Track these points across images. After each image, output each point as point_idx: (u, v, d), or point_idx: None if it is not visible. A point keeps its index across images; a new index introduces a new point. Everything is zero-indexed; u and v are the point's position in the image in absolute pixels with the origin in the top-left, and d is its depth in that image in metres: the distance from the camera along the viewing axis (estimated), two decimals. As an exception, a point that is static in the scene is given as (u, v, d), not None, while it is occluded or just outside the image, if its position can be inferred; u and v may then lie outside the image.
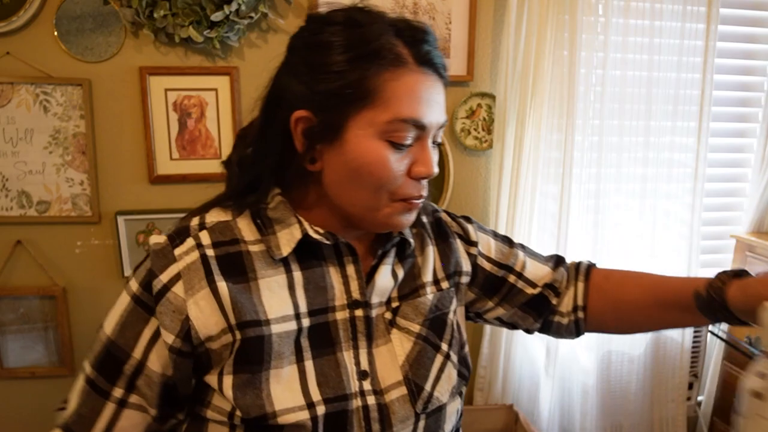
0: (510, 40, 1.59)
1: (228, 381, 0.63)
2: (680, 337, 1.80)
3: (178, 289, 0.63)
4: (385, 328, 0.71)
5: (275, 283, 0.66)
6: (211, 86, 1.54)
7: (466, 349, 0.79)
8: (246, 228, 0.68)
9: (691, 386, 1.90)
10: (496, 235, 0.89)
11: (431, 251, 0.80)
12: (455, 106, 1.67)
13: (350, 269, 0.70)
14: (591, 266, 0.89)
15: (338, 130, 0.63)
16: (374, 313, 0.71)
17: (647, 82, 1.64)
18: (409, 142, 0.64)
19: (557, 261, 0.89)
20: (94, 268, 1.59)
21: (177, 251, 0.64)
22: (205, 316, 0.63)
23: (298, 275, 0.68)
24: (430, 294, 0.76)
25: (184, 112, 1.55)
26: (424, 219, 0.83)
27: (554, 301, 0.86)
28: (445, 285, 0.79)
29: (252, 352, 0.63)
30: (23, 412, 1.64)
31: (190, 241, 0.65)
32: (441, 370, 0.72)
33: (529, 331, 0.89)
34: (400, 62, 0.62)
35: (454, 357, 0.74)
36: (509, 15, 1.58)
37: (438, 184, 1.72)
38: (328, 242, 0.68)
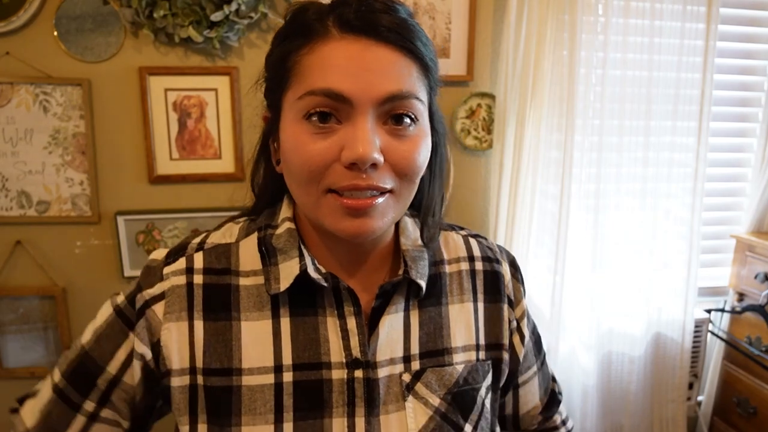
0: (510, 40, 1.59)
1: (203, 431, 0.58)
2: (680, 337, 1.80)
3: (159, 308, 0.59)
4: (400, 392, 0.60)
5: (259, 328, 0.59)
6: (211, 86, 1.54)
7: None
8: (247, 255, 0.62)
9: (691, 386, 1.90)
10: (533, 331, 0.75)
11: (474, 308, 0.66)
12: (455, 106, 1.67)
13: (351, 322, 0.59)
14: None
15: (278, 120, 0.58)
16: (383, 373, 0.60)
17: (647, 81, 1.64)
18: (330, 119, 0.53)
19: (551, 400, 0.79)
20: (94, 268, 1.59)
21: (166, 270, 0.61)
22: (174, 347, 0.58)
23: (285, 322, 0.59)
24: (459, 364, 0.63)
25: (183, 112, 1.55)
26: (478, 264, 0.68)
27: None
28: (482, 355, 0.65)
29: (219, 403, 0.57)
30: (23, 412, 1.64)
31: (181, 262, 0.61)
32: None
33: None
34: (318, 34, 0.53)
35: None
36: (509, 15, 1.58)
37: (438, 184, 1.72)
38: (325, 284, 0.58)
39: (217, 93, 1.54)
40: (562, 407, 0.81)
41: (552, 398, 0.79)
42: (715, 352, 1.95)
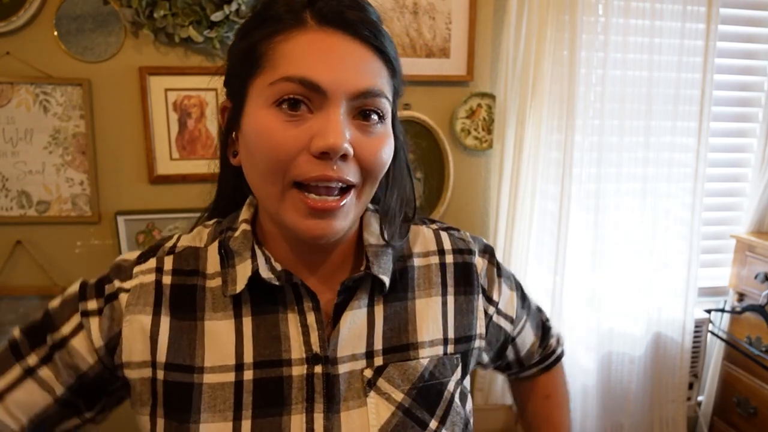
0: (510, 40, 1.59)
1: (161, 425, 0.58)
2: (680, 337, 1.80)
3: (123, 299, 0.60)
4: (361, 388, 0.60)
5: (221, 327, 0.59)
6: (211, 86, 1.53)
7: (470, 429, 0.67)
8: (212, 258, 0.63)
9: (691, 386, 1.90)
10: (516, 287, 0.77)
11: (443, 301, 0.66)
12: (455, 106, 1.67)
13: (310, 318, 0.59)
14: (557, 360, 0.86)
15: (241, 108, 0.57)
16: (344, 368, 0.60)
17: (647, 82, 1.64)
18: (301, 107, 0.53)
19: (544, 332, 0.83)
20: (94, 268, 1.58)
21: (136, 269, 0.62)
22: (134, 339, 0.59)
23: (247, 321, 0.60)
24: (424, 358, 0.62)
25: (184, 112, 1.55)
26: (448, 257, 0.68)
27: (514, 370, 0.84)
28: (450, 349, 0.65)
29: (179, 398, 0.57)
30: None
31: (152, 262, 0.62)
32: None
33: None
34: (294, 23, 0.54)
35: None
36: (509, 15, 1.58)
37: (438, 184, 1.72)
38: (277, 283, 0.59)
39: (218, 93, 1.54)
40: (553, 330, 0.85)
41: (544, 329, 0.83)
42: (715, 352, 1.95)
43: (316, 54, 0.52)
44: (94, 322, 0.60)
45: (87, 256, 1.58)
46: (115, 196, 1.56)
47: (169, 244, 0.65)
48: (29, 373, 0.60)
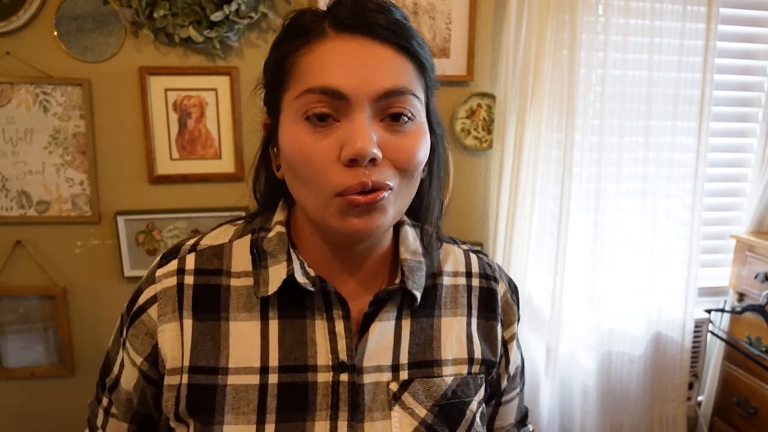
0: (510, 40, 1.59)
1: (183, 430, 0.59)
2: (680, 337, 1.80)
3: (153, 312, 0.60)
4: (386, 400, 0.60)
5: (247, 328, 0.59)
6: (211, 86, 1.54)
7: None
8: (240, 256, 0.62)
9: (691, 386, 1.90)
10: (521, 358, 0.77)
11: (467, 322, 0.66)
12: (455, 106, 1.67)
13: (339, 325, 0.60)
14: None
15: (277, 123, 0.58)
16: (369, 379, 0.60)
17: (647, 81, 1.64)
18: (329, 118, 0.53)
19: (523, 419, 0.80)
20: (94, 268, 1.59)
21: (158, 272, 0.62)
22: (168, 347, 0.59)
23: (273, 324, 0.59)
24: (448, 376, 0.63)
25: (184, 112, 1.55)
26: (475, 280, 0.69)
27: None
28: (476, 369, 0.65)
29: (202, 400, 0.57)
30: (23, 412, 1.64)
31: (173, 264, 0.62)
32: None
33: None
34: (315, 34, 0.54)
35: None
36: (509, 15, 1.58)
37: (438, 184, 1.72)
38: (312, 289, 0.59)
39: (217, 93, 1.54)
40: (530, 427, 0.83)
41: (525, 417, 0.80)
42: (715, 352, 1.95)
43: (336, 61, 0.53)
44: (130, 348, 0.62)
45: (87, 256, 1.58)
46: (115, 196, 1.56)
47: (191, 242, 0.64)
48: (107, 413, 0.67)
